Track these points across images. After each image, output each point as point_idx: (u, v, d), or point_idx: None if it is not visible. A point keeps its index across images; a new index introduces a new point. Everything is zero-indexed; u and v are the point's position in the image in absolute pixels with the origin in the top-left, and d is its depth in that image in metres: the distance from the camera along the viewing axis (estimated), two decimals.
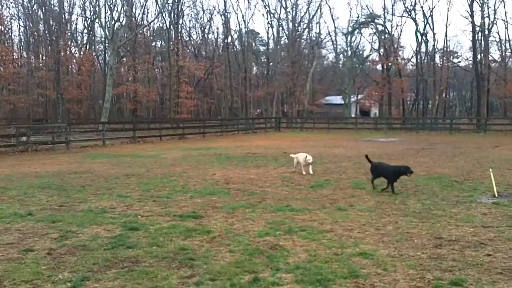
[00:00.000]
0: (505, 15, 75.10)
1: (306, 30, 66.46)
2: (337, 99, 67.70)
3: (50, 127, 31.71)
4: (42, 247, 6.94)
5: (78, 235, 7.57)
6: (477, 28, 53.42)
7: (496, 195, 10.60)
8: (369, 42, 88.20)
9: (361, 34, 64.96)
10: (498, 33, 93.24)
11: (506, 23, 66.71)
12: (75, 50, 64.25)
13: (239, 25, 74.62)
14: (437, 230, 7.79)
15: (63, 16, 59.30)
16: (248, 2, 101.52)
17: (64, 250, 6.77)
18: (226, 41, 64.20)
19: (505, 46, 57.95)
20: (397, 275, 5.73)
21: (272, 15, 63.55)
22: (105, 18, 53.20)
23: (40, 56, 61.65)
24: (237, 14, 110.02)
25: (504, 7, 78.51)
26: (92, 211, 9.38)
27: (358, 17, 64.57)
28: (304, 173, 14.22)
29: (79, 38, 66.03)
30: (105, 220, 8.58)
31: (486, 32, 54.04)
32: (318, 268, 5.94)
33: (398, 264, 6.10)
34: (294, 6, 62.15)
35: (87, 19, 62.17)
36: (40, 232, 7.75)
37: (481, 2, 52.81)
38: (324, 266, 6.03)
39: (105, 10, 54.31)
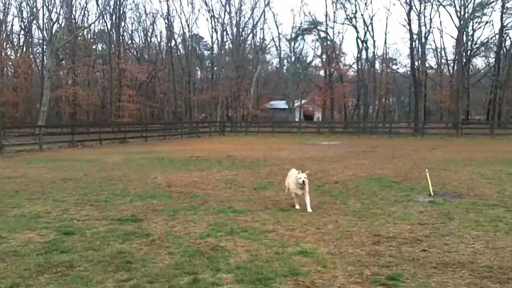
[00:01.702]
0: (440, 24, 78.63)
1: (250, 35, 66.92)
2: (281, 104, 68.41)
3: None
4: None
5: (8, 241, 7.15)
6: (415, 36, 55.67)
7: (432, 194, 10.96)
8: (312, 48, 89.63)
9: (304, 40, 65.79)
10: (434, 41, 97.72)
11: (441, 32, 69.86)
12: (10, 52, 61.60)
13: (182, 29, 73.56)
14: (375, 228, 7.94)
15: None
16: (192, 7, 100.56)
17: None
18: (169, 44, 63.50)
19: (441, 53, 60.68)
20: (336, 272, 5.77)
21: (216, 20, 63.39)
22: (43, 19, 51.47)
23: None
24: (180, 18, 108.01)
25: (439, 16, 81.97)
26: (25, 216, 8.92)
27: (301, 23, 65.68)
28: (297, 206, 9.50)
29: (15, 39, 63.35)
30: (39, 225, 8.17)
31: (423, 40, 56.39)
32: (259, 268, 5.89)
33: (337, 261, 6.14)
34: (238, 12, 62.31)
35: (24, 20, 59.82)
36: None
37: (418, 11, 55.07)
38: (265, 266, 5.98)
39: (43, 11, 52.54)
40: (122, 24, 59.88)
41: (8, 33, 61.55)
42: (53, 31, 45.91)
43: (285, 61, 68.15)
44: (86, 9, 66.04)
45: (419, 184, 12.47)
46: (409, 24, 54.85)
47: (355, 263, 6.07)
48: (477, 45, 55.75)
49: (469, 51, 54.36)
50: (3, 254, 6.49)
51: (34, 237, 7.39)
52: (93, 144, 30.76)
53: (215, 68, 67.16)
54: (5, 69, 59.06)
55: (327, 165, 17.70)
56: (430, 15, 68.70)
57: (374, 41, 68.89)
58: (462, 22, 51.64)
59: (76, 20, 57.96)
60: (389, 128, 44.77)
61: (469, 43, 54.14)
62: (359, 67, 60.89)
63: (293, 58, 65.14)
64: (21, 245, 6.92)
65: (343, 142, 33.06)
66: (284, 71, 67.92)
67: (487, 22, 53.74)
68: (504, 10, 51.51)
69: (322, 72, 66.86)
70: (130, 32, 68.00)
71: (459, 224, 8.14)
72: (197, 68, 69.77)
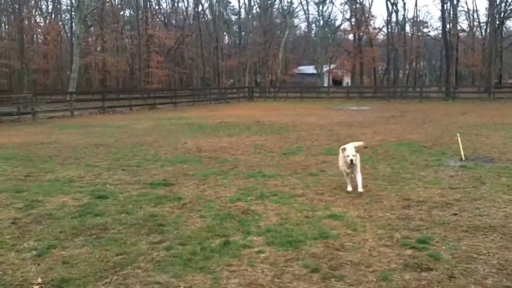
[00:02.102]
0: None
1: None
2: (310, 69, 67.63)
3: (15, 98, 30.78)
4: (6, 217, 6.75)
5: (44, 204, 7.38)
6: None
7: (463, 159, 10.79)
8: (341, 12, 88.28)
9: (333, 3, 64.88)
10: (466, 3, 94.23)
11: None
12: (40, 19, 62.21)
13: None
14: (405, 192, 7.89)
15: None
16: None
17: (29, 219, 6.60)
18: (196, 9, 63.16)
19: (473, 16, 58.68)
20: (366, 235, 5.78)
21: None
22: None
23: (3, 25, 59.50)
24: None
25: None
26: (59, 180, 9.17)
27: None
28: (349, 188, 8.01)
29: (43, 6, 63.90)
30: (73, 189, 8.40)
31: (455, 1, 54.45)
32: (289, 231, 5.95)
33: (367, 225, 6.15)
34: None
35: None
36: (4, 202, 7.53)
37: None
38: (295, 229, 6.04)
39: None
40: None
41: (37, 0, 62.13)
42: None
43: (313, 25, 66.96)
44: None
45: (450, 149, 12.27)
46: None
47: (385, 227, 6.07)
48: (511, 7, 53.59)
49: (502, 13, 52.28)
50: (39, 217, 6.71)
51: (68, 201, 7.60)
52: (123, 110, 31.18)
53: (243, 33, 66.64)
54: (35, 36, 59.82)
55: (356, 130, 17.55)
56: None
57: (404, 4, 67.54)
58: None
59: None
60: (420, 92, 43.86)
61: (503, 4, 52.04)
62: (389, 30, 59.49)
63: (321, 22, 64.00)
64: (56, 209, 7.14)
65: (373, 107, 32.63)
66: (313, 35, 66.76)
67: None
68: None
69: (351, 36, 65.70)
70: None
71: (490, 188, 8.02)
72: (224, 33, 69.29)
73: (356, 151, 7.90)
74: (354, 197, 7.62)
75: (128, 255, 5.21)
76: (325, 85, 61.68)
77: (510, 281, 4.45)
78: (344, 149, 7.87)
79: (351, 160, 7.67)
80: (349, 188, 7.99)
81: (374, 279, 4.53)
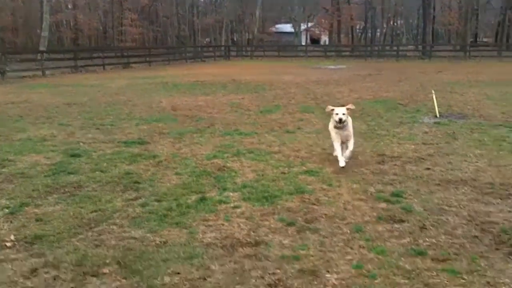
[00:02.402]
0: None
1: None
2: (287, 28, 66.75)
3: None
4: None
5: (16, 164, 7.24)
6: None
7: (438, 116, 10.92)
8: None
9: None
10: None
11: None
12: None
13: None
14: (380, 148, 7.98)
15: None
16: None
17: (0, 179, 6.48)
18: None
19: None
20: (341, 189, 5.85)
21: None
22: None
23: None
24: None
25: None
26: (31, 139, 8.99)
27: None
28: (338, 157, 6.67)
29: None
30: (45, 148, 8.26)
31: None
32: (265, 186, 5.98)
33: (342, 180, 6.21)
34: None
35: None
36: None
37: None
38: (271, 184, 6.07)
39: None
40: None
41: None
42: None
43: None
44: None
45: (425, 106, 12.39)
46: None
47: (360, 181, 6.15)
48: None
49: None
50: (10, 176, 6.59)
51: (40, 160, 7.48)
52: (96, 69, 30.50)
53: None
54: None
55: (333, 88, 17.56)
56: None
57: None
58: None
59: None
60: (397, 51, 43.89)
61: None
62: None
63: None
64: (28, 167, 7.02)
65: (350, 65, 32.59)
66: None
67: None
68: None
69: None
70: None
71: (463, 144, 8.16)
72: None
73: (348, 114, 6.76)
74: (329, 154, 7.66)
75: (103, 212, 5.18)
76: (303, 43, 61.13)
77: (479, 231, 4.57)
78: (332, 109, 6.78)
79: (340, 119, 6.60)
80: (340, 159, 6.56)
81: (348, 231, 4.60)
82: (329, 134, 7.04)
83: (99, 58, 33.37)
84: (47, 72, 26.85)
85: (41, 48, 36.03)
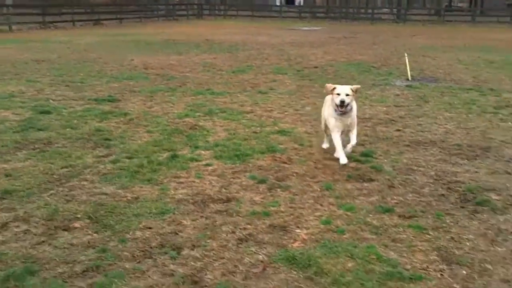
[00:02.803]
0: None
1: None
2: None
3: None
4: None
5: None
6: None
7: (410, 79, 11.03)
8: None
9: None
10: None
11: None
12: None
13: None
14: None
15: None
16: None
17: None
18: None
19: None
20: (313, 149, 5.92)
21: None
22: None
23: None
24: None
25: None
26: None
27: None
28: (325, 145, 5.87)
29: None
30: (13, 104, 8.06)
31: None
32: (237, 145, 5.99)
33: (314, 140, 6.27)
34: None
35: None
36: None
37: None
38: (243, 143, 6.09)
39: None
40: None
41: None
42: None
43: None
44: None
45: (398, 69, 12.48)
46: None
47: (331, 141, 6.19)
48: None
49: None
50: None
51: (9, 116, 7.31)
52: (66, 26, 29.54)
53: None
54: None
55: (307, 50, 17.48)
56: None
57: None
58: None
59: None
60: (371, 14, 43.69)
61: None
62: None
63: None
64: None
65: (324, 27, 32.39)
66: None
67: None
68: None
69: None
70: None
71: (433, 107, 8.30)
72: None
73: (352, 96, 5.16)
74: (302, 114, 7.72)
75: (73, 168, 5.13)
76: (277, 4, 60.30)
77: (445, 190, 4.70)
78: (333, 88, 5.19)
79: (343, 102, 5.02)
80: (344, 159, 5.14)
81: (318, 189, 4.68)
82: (319, 117, 5.98)
83: (69, 14, 32.25)
84: (14, 27, 25.91)
85: (8, 2, 34.60)
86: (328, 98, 5.43)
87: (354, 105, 5.26)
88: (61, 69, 11.98)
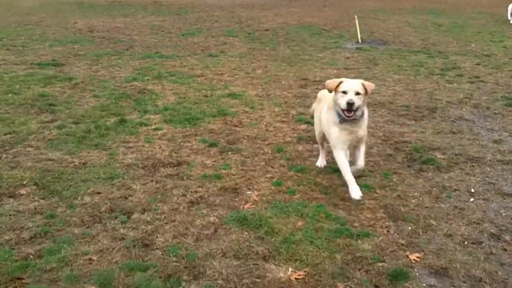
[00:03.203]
0: None
1: None
2: None
3: None
4: None
5: None
6: None
7: (360, 41, 11.13)
8: None
9: None
10: None
11: None
12: None
13: None
14: (303, 72, 8.06)
15: None
16: None
17: None
18: None
19: None
20: (264, 112, 5.91)
21: None
22: None
23: None
24: None
25: None
26: None
27: None
28: (321, 162, 4.37)
29: None
30: None
31: None
32: (187, 109, 5.91)
33: (265, 103, 6.26)
34: None
35: None
36: None
37: None
38: (193, 107, 6.01)
39: None
40: None
41: None
42: None
43: None
44: None
45: (348, 32, 12.55)
46: None
47: (282, 104, 6.23)
48: None
49: None
50: None
51: None
52: None
53: None
54: None
55: (258, 12, 17.28)
56: None
57: None
58: None
59: None
60: None
61: None
62: None
63: None
64: None
65: None
66: None
67: None
68: None
69: None
70: None
71: (382, 69, 8.43)
72: None
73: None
74: (253, 77, 7.67)
75: (17, 134, 4.93)
76: None
77: (393, 150, 4.83)
78: (340, 82, 3.68)
79: (351, 104, 3.58)
80: (357, 193, 3.73)
81: (269, 151, 4.70)
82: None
83: None
84: None
85: None
86: (324, 95, 4.13)
87: (365, 112, 3.84)
88: (1, 32, 11.38)
